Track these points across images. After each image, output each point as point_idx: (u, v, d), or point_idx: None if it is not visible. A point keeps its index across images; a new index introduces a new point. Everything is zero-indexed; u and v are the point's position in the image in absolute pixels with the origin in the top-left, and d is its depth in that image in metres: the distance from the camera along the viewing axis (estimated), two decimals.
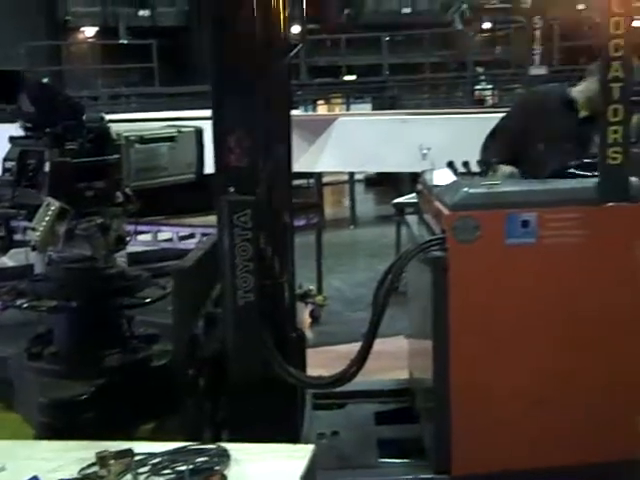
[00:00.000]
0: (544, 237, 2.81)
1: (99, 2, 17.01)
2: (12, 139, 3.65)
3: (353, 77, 18.06)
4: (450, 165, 3.43)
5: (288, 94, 3.50)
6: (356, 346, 4.99)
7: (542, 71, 3.98)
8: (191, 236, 6.71)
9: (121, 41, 16.70)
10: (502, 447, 2.89)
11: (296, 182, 13.91)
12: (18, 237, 3.86)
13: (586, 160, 3.20)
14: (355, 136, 8.25)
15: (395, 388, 3.95)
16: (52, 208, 3.25)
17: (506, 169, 3.64)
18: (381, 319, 2.94)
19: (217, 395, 3.23)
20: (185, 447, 2.22)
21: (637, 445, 2.89)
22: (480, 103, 16.47)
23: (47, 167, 3.42)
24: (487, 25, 15.95)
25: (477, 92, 17.36)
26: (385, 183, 14.79)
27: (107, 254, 3.72)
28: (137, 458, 2.13)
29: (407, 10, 19.01)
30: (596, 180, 2.86)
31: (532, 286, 2.85)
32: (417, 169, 3.66)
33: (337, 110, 17.18)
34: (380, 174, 15.25)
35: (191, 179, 4.27)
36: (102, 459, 2.07)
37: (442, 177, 3.37)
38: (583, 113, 3.70)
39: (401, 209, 7.53)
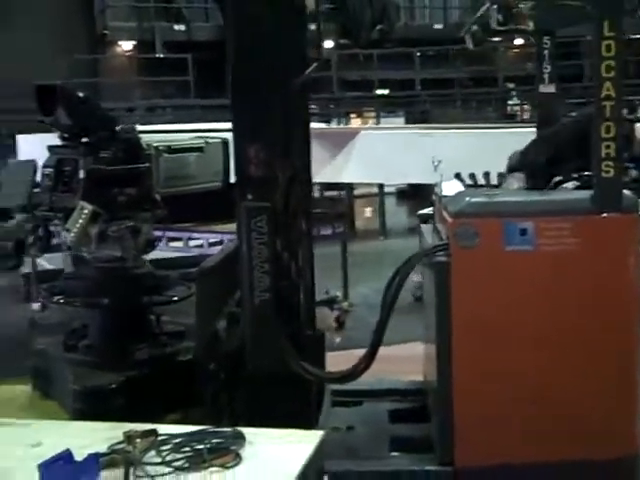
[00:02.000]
0: (542, 245, 2.99)
1: (136, 17, 17.42)
2: (50, 148, 3.94)
3: (385, 91, 18.28)
4: (457, 177, 3.62)
5: (307, 107, 3.70)
6: (380, 350, 5.17)
7: (551, 89, 4.14)
8: (220, 242, 6.94)
9: (157, 55, 17.08)
10: (502, 442, 3.04)
11: (329, 193, 14.15)
12: (56, 240, 4.13)
13: (587, 173, 3.37)
14: (377, 148, 8.46)
15: (410, 388, 4.12)
16: (85, 211, 3.52)
17: (514, 182, 3.81)
18: (388, 320, 3.15)
19: (236, 388, 3.44)
20: (204, 429, 2.40)
21: (632, 442, 3.05)
22: (512, 118, 16.61)
23: (82, 174, 3.69)
24: (519, 41, 16.11)
25: (509, 107, 17.52)
26: (417, 195, 14.94)
27: (136, 256, 3.98)
28: (160, 438, 2.32)
29: (439, 26, 19.22)
30: (591, 192, 3.04)
31: (530, 291, 3.02)
32: (431, 180, 3.86)
33: (370, 123, 17.39)
34: (411, 186, 15.41)
35: (217, 187, 4.55)
36: (129, 437, 2.25)
37: (451, 188, 3.57)
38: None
39: (425, 220, 7.72)
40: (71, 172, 3.77)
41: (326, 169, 7.69)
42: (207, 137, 4.57)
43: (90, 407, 3.63)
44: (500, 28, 3.36)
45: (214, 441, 2.31)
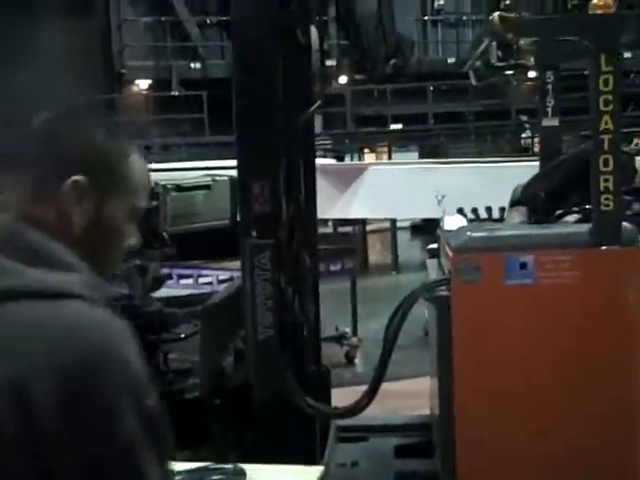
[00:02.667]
0: (541, 278, 3.00)
1: (153, 56, 17.71)
2: None
3: (399, 126, 18.40)
4: (460, 211, 3.65)
5: (311, 144, 3.76)
6: (387, 385, 5.17)
7: (555, 122, 4.18)
8: (230, 279, 6.98)
9: (173, 92, 17.32)
10: (506, 474, 3.05)
11: (342, 229, 14.16)
12: None
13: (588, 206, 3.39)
14: (385, 184, 8.54)
15: (416, 423, 4.12)
16: None
17: (516, 216, 3.84)
18: (390, 354, 3.16)
19: (242, 423, 3.46)
20: (205, 466, 2.42)
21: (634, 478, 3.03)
22: (525, 151, 16.66)
23: None
24: (532, 74, 16.19)
25: (522, 140, 17.59)
26: (430, 230, 14.96)
27: (144, 294, 4.03)
28: None
29: (452, 60, 19.37)
30: (590, 225, 3.06)
31: (530, 324, 3.03)
32: (435, 215, 3.90)
33: (384, 158, 17.50)
34: (425, 221, 15.46)
35: (225, 224, 4.59)
36: None
37: (454, 222, 3.60)
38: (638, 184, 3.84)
39: (434, 254, 7.75)
40: None
41: (336, 205, 7.75)
42: (215, 175, 4.62)
43: None
44: (500, 64, 3.41)
45: (215, 477, 2.33)
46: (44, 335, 1.13)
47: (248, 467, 2.43)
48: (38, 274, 1.18)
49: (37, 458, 1.09)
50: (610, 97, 2.96)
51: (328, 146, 17.34)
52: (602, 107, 2.97)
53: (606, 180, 2.98)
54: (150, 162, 4.71)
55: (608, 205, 2.99)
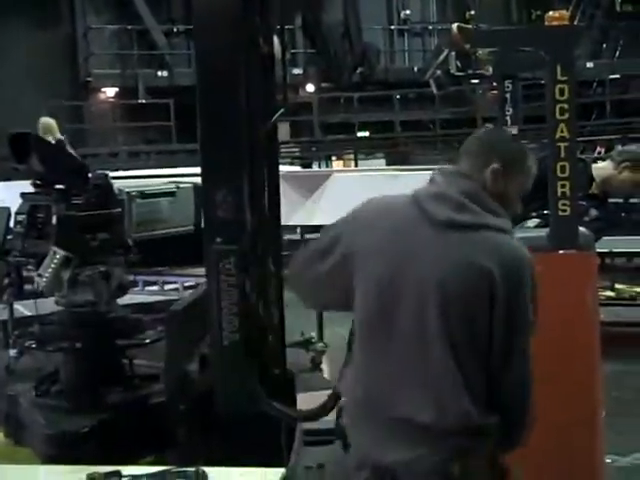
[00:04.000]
0: None
1: (119, 64, 17.66)
2: (23, 195, 4.00)
3: (366, 133, 18.51)
4: None
5: (275, 152, 3.79)
6: None
7: (514, 131, 4.30)
8: (196, 286, 6.98)
9: (140, 100, 17.28)
10: None
11: (310, 236, 14.20)
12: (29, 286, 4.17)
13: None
14: (348, 191, 8.58)
15: None
16: (57, 256, 3.58)
17: None
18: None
19: (208, 429, 3.48)
20: (167, 470, 2.45)
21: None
22: None
23: (54, 220, 3.75)
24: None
25: None
26: None
27: (109, 300, 4.03)
28: (124, 479, 2.35)
29: (418, 68, 19.56)
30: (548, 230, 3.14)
31: None
32: None
33: (352, 165, 17.57)
34: None
35: (190, 231, 4.61)
36: None
37: None
38: (595, 190, 3.96)
39: None
40: (44, 218, 3.83)
41: (299, 212, 7.78)
42: (179, 182, 4.65)
43: (63, 451, 3.64)
44: (458, 73, 3.49)
45: None
46: (497, 249, 2.20)
47: (210, 470, 2.45)
48: (489, 217, 2.22)
49: (491, 308, 2.18)
50: (566, 106, 3.05)
51: (296, 154, 17.40)
52: (558, 116, 3.06)
53: (563, 186, 3.07)
54: (115, 170, 4.75)
55: (565, 210, 3.07)
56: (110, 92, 17.80)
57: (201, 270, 7.01)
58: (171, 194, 4.43)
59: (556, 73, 3.03)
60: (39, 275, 3.59)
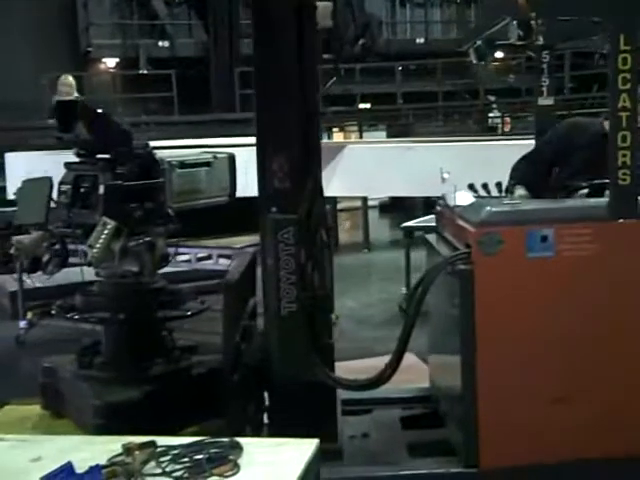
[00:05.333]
0: (562, 251, 3.08)
1: (120, 34, 17.46)
2: (67, 165, 3.96)
3: (367, 105, 18.40)
4: (471, 187, 3.70)
5: (319, 123, 3.77)
6: (365, 362, 5.13)
7: (550, 102, 4.28)
8: (209, 257, 6.88)
9: (141, 71, 17.11)
10: (526, 442, 3.13)
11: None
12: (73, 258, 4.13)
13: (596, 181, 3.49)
14: (363, 163, 8.54)
15: (417, 395, 4.19)
16: (108, 227, 3.55)
17: (521, 192, 3.93)
18: (413, 327, 3.22)
19: (260, 399, 3.49)
20: (202, 440, 2.41)
21: None
22: (493, 130, 16.79)
23: (101, 189, 3.72)
24: (499, 54, 16.28)
25: (490, 120, 17.71)
26: (398, 209, 15.06)
27: (152, 270, 4.02)
28: (159, 449, 2.32)
29: (420, 40, 19.43)
30: (607, 199, 3.14)
31: (551, 295, 3.11)
32: (426, 193, 3.92)
33: (353, 137, 17.49)
34: (393, 200, 15.50)
35: (225, 201, 4.57)
36: (128, 449, 2.26)
37: (462, 198, 3.66)
38: None
39: (410, 232, 7.88)
40: (88, 188, 3.80)
41: None
42: (214, 152, 4.60)
43: (112, 422, 3.65)
44: (519, 42, 3.46)
45: (212, 451, 2.32)
46: None
47: (244, 441, 2.41)
48: None
49: None
50: (628, 76, 3.03)
51: None
52: (620, 85, 3.04)
53: (624, 155, 3.06)
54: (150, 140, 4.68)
55: (625, 180, 3.07)
56: (111, 63, 17.60)
57: (212, 242, 6.91)
58: (207, 164, 4.39)
59: (619, 42, 3.01)
60: (89, 246, 3.56)
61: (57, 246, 3.88)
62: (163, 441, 2.37)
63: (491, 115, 17.58)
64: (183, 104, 15.78)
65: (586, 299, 3.11)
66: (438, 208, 4.03)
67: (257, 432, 3.44)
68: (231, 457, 2.29)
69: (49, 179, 3.92)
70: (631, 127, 3.06)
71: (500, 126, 17.05)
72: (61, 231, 3.87)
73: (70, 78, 8.94)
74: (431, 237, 4.04)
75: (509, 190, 4.04)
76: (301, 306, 3.22)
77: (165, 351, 4.10)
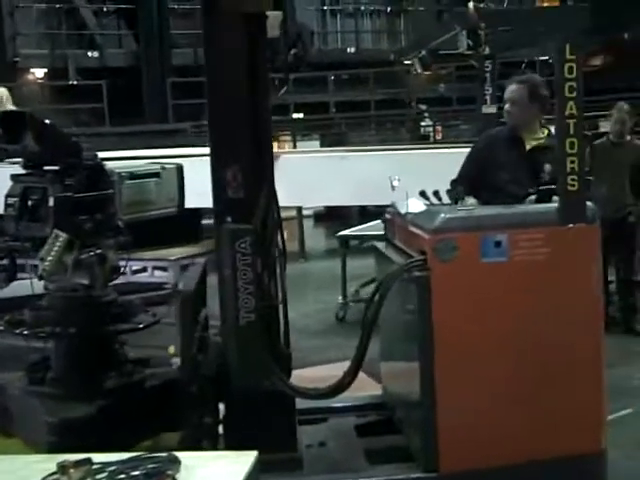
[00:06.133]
0: (515, 256, 3.15)
1: (48, 44, 17.17)
2: (14, 177, 3.88)
3: (301, 115, 18.48)
4: (422, 194, 3.76)
5: (271, 131, 3.78)
6: (305, 371, 5.12)
7: (493, 110, 4.41)
8: (144, 269, 6.71)
9: (71, 82, 16.85)
10: (485, 446, 3.18)
11: None
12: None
13: (542, 188, 3.61)
14: (297, 172, 8.56)
15: (370, 403, 4.22)
16: (60, 239, 3.49)
17: (471, 200, 4.03)
18: (371, 335, 3.25)
19: (216, 410, 3.48)
20: (139, 455, 2.36)
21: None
22: (425, 139, 17.05)
23: (51, 202, 3.65)
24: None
25: (422, 128, 17.98)
26: (333, 218, 15.14)
27: (104, 283, 3.96)
28: (95, 467, 2.25)
29: (352, 49, 19.63)
30: (557, 205, 3.23)
31: (506, 299, 3.18)
32: (361, 202, 3.97)
33: (287, 147, 17.52)
34: (328, 209, 15.56)
35: (173, 212, 4.56)
36: (63, 468, 2.20)
37: (413, 205, 3.71)
38: (528, 146, 4.29)
39: (345, 241, 7.94)
40: (37, 201, 3.73)
41: None
42: (162, 163, 4.58)
43: (66, 439, 3.57)
44: (467, 52, 3.54)
45: (150, 466, 2.28)
46: None
47: (182, 455, 2.37)
48: None
49: None
50: (574, 84, 3.14)
51: None
52: (567, 94, 3.14)
53: (572, 162, 3.15)
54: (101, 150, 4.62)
55: (574, 186, 3.16)
56: (39, 73, 17.29)
57: (149, 254, 6.76)
58: (156, 175, 4.37)
59: (565, 52, 3.11)
60: (41, 259, 3.50)
61: (5, 261, 3.80)
62: (99, 458, 2.31)
63: (423, 124, 17.85)
64: (115, 115, 15.60)
65: (539, 302, 3.19)
66: (387, 215, 4.07)
67: (213, 444, 3.43)
68: (169, 472, 2.24)
69: None
70: (578, 134, 3.16)
71: (432, 134, 17.32)
72: (9, 245, 3.79)
73: (2, 89, 8.76)
74: (380, 245, 4.08)
75: (458, 198, 4.13)
76: (259, 316, 3.22)
77: (118, 364, 4.04)
